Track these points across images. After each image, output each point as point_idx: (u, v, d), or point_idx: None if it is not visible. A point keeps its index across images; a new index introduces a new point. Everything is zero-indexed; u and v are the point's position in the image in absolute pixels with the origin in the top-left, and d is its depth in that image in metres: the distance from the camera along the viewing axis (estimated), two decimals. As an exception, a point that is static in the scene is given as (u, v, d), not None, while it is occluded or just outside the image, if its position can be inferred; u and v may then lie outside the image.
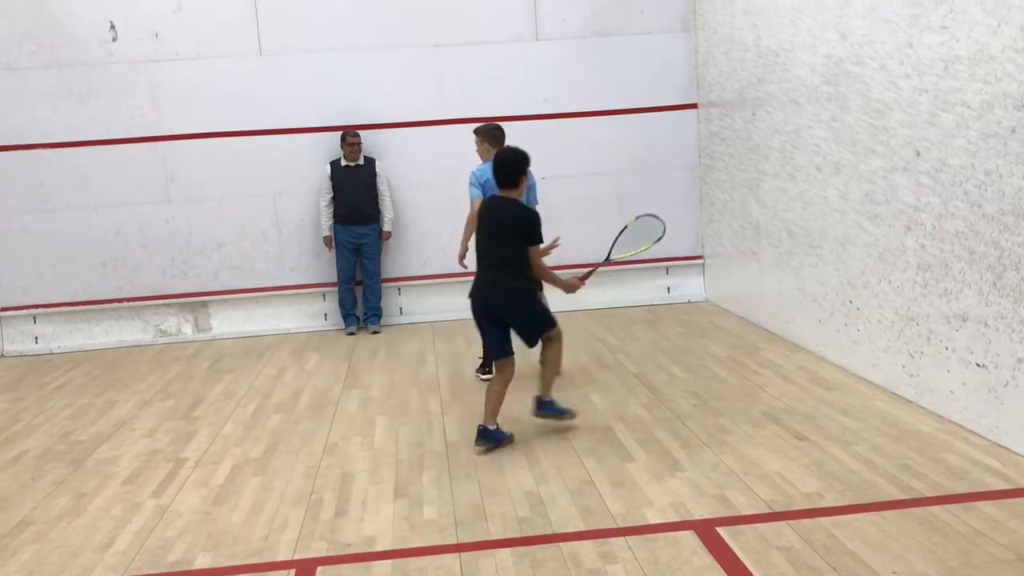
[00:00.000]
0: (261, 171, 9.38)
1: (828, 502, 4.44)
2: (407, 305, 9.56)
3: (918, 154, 5.54)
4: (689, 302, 9.70)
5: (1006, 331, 4.87)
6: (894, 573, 3.71)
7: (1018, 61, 4.61)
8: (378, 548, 4.28)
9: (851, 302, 6.52)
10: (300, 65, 9.32)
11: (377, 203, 9.32)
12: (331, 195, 9.27)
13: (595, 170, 9.48)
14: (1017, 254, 4.73)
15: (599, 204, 9.47)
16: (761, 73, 7.82)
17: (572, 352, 7.73)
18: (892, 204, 5.87)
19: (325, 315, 9.62)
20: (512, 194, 5.53)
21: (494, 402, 5.54)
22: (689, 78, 9.58)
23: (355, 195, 9.20)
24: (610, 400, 6.37)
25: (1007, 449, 4.91)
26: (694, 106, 9.59)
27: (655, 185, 9.09)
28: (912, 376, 5.80)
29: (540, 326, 5.60)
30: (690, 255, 9.76)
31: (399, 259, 9.61)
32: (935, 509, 4.26)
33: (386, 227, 9.41)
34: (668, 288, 9.76)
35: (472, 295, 5.61)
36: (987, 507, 4.24)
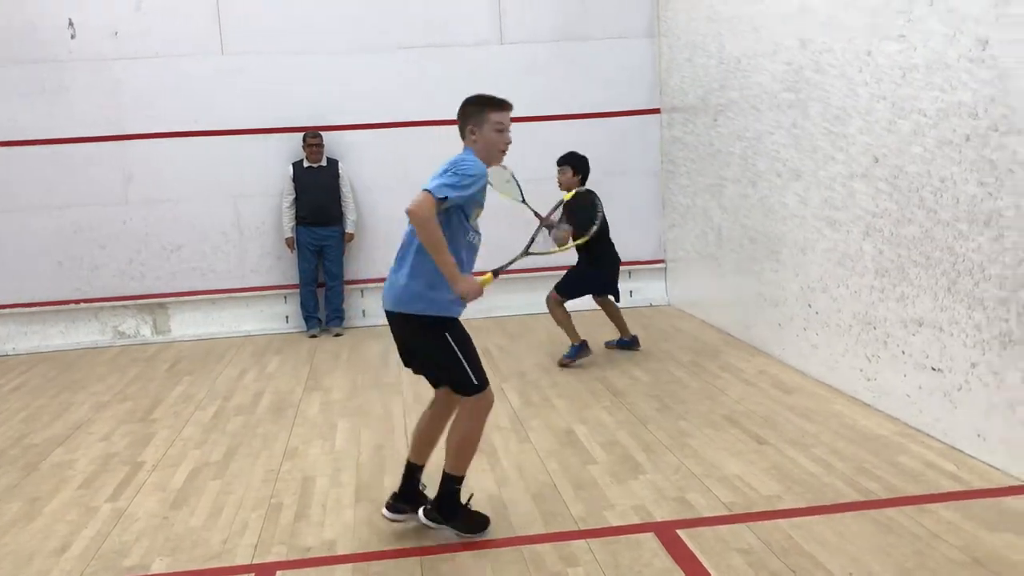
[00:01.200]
0: (222, 172, 9.29)
1: (787, 504, 4.49)
2: (370, 307, 9.49)
3: (876, 161, 5.62)
4: (651, 305, 9.76)
5: (960, 336, 4.95)
6: (850, 574, 3.76)
7: (972, 71, 4.70)
8: (339, 552, 4.25)
9: (810, 306, 6.60)
10: (262, 65, 9.24)
11: (340, 205, 9.27)
12: (293, 196, 9.20)
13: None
14: (970, 260, 4.81)
15: (562, 207, 9.48)
16: (723, 79, 7.88)
17: (535, 355, 7.75)
18: (851, 210, 5.95)
19: (287, 317, 9.55)
20: None
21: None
22: (652, 83, 9.65)
23: (318, 197, 9.15)
24: (572, 403, 6.39)
25: (961, 452, 4.99)
26: (657, 111, 9.66)
27: (618, 189, 9.12)
28: (869, 380, 5.88)
29: None
30: (652, 259, 9.82)
31: (362, 261, 9.56)
32: (890, 511, 4.32)
33: (349, 229, 9.36)
34: (631, 292, 9.79)
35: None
36: (941, 509, 4.31)
